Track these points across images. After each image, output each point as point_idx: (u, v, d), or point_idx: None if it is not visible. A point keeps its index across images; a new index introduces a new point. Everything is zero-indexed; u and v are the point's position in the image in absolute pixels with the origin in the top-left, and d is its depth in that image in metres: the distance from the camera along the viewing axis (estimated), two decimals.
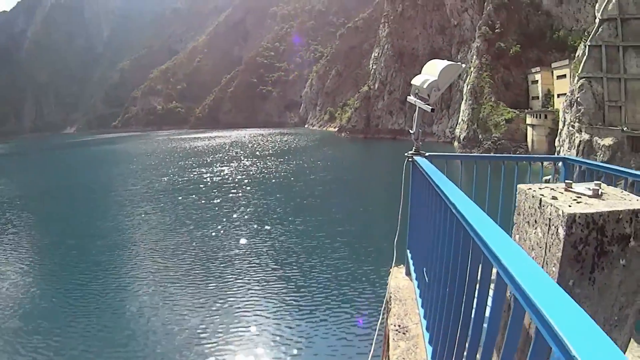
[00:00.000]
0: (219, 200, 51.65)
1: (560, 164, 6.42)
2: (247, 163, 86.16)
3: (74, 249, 36.25)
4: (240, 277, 27.56)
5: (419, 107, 5.23)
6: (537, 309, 1.44)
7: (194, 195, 55.81)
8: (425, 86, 4.98)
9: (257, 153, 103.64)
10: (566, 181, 3.44)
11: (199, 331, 21.56)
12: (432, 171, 4.10)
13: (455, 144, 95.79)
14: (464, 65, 6.50)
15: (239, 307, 23.42)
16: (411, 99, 5.37)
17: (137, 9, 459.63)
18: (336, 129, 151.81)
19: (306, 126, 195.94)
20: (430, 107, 4.98)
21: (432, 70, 5.11)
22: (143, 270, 30.28)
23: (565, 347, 1.23)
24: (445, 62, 5.04)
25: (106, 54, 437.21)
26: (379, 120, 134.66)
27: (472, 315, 2.48)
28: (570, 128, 59.24)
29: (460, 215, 2.71)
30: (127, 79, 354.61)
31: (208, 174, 74.23)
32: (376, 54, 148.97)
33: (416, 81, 5.27)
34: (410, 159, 5.31)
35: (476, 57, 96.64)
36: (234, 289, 25.89)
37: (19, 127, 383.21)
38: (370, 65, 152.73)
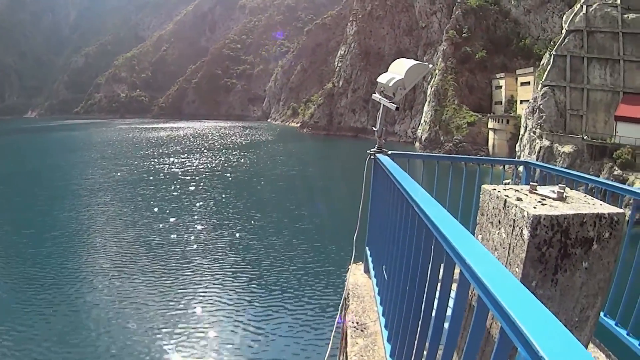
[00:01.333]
0: (178, 193, 51.39)
1: (521, 167, 6.56)
2: (209, 155, 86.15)
3: (26, 238, 35.43)
4: (198, 272, 27.36)
5: (383, 105, 5.26)
6: (503, 308, 1.45)
7: (153, 187, 55.43)
8: (391, 84, 5.01)
9: (219, 146, 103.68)
10: (531, 183, 3.49)
11: (153, 327, 21.14)
12: (394, 169, 4.09)
13: (417, 144, 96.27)
14: (431, 66, 6.15)
15: (196, 303, 23.09)
16: (376, 96, 5.39)
17: None
18: (298, 125, 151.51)
19: (269, 120, 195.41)
20: (395, 106, 4.99)
21: (399, 69, 5.15)
22: (99, 263, 29.71)
23: (531, 346, 1.23)
24: (413, 62, 5.07)
25: (72, 38, 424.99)
26: (341, 118, 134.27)
27: (433, 314, 2.50)
28: (532, 134, 60.98)
29: (422, 214, 2.71)
30: (91, 65, 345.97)
31: (168, 165, 73.73)
32: (342, 52, 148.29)
33: (382, 79, 5.29)
34: (372, 156, 5.29)
35: (442, 60, 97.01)
36: (191, 284, 25.58)
37: None
38: (336, 63, 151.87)
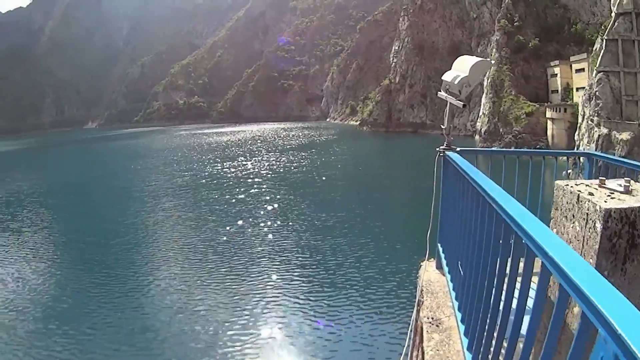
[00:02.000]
0: (242, 196, 50.82)
1: (584, 158, 6.72)
2: (270, 157, 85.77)
3: (94, 245, 36.29)
4: (266, 274, 27.15)
5: (449, 103, 5.42)
6: (584, 294, 1.55)
7: (216, 191, 55.39)
8: (456, 82, 5.18)
9: (280, 147, 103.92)
10: (600, 178, 3.68)
11: (223, 329, 21.41)
12: (466, 166, 4.27)
13: (476, 137, 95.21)
14: (492, 62, 7.03)
15: (266, 305, 23.07)
16: (442, 94, 5.54)
17: (156, 4, 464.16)
18: (358, 123, 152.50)
19: (328, 120, 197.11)
20: (462, 103, 5.15)
21: (463, 67, 5.33)
22: (166, 267, 30.16)
23: (612, 328, 1.33)
24: (476, 59, 5.28)
25: (126, 50, 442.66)
26: (400, 114, 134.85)
27: (513, 307, 2.56)
28: (590, 122, 59.04)
29: (501, 210, 2.82)
30: (147, 75, 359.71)
31: (231, 169, 73.78)
32: (396, 48, 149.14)
33: (447, 77, 5.48)
34: (441, 154, 5.44)
35: (496, 50, 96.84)
36: (259, 286, 25.53)
37: (39, 122, 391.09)
38: (391, 59, 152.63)
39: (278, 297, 23.94)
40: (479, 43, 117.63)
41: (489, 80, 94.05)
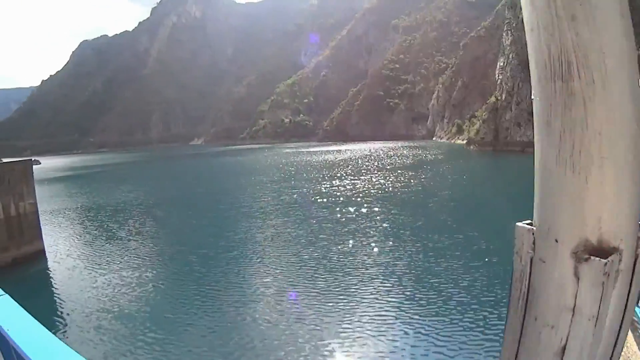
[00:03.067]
0: (353, 215, 50.20)
1: None
2: (379, 177, 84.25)
3: (200, 257, 37.58)
4: (378, 296, 26.43)
5: None
6: None
7: (326, 209, 54.76)
8: None
9: (388, 166, 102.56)
10: None
11: (330, 341, 21.24)
12: None
13: None
14: None
15: (377, 327, 22.35)
16: None
17: (259, 25, 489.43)
18: (464, 142, 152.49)
19: (434, 138, 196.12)
20: None
21: None
22: (276, 284, 30.19)
23: None
24: None
25: (231, 70, 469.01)
26: (507, 133, 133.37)
27: None
28: None
29: None
30: (253, 93, 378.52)
31: (340, 187, 73.32)
32: (501, 64, 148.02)
33: None
34: None
35: None
36: (369, 309, 24.72)
37: (146, 138, 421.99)
38: (496, 76, 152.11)
39: (387, 321, 23.10)
40: None
41: None
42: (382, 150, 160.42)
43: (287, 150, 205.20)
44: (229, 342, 22.41)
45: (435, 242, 37.09)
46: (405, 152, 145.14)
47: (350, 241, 38.74)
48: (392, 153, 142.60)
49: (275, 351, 21.00)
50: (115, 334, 23.70)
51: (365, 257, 33.82)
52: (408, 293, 26.79)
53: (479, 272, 29.53)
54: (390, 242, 38.08)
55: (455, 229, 41.54)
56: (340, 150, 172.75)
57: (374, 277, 29.62)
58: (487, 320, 22.24)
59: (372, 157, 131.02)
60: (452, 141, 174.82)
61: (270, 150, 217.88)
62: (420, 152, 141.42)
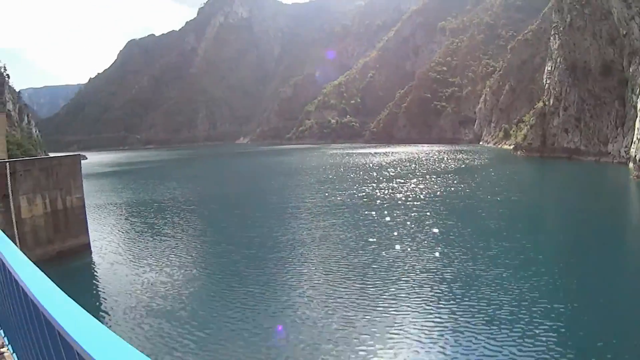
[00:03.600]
0: (402, 219, 50.71)
1: None
2: (427, 180, 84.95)
3: (245, 258, 38.35)
4: (428, 303, 26.81)
5: None
6: None
7: (375, 212, 55.41)
8: None
9: (436, 170, 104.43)
10: None
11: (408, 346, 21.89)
12: None
13: (630, 165, 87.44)
14: None
15: (425, 333, 23.02)
16: None
17: (305, 26, 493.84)
18: (511, 147, 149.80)
19: (481, 143, 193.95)
20: None
21: None
22: (328, 284, 30.79)
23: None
24: None
25: (278, 70, 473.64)
26: (554, 139, 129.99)
27: None
28: None
29: None
30: (299, 94, 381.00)
31: (388, 190, 74.03)
32: (549, 68, 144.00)
33: None
34: None
35: None
36: (420, 315, 25.22)
37: (192, 136, 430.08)
38: (544, 80, 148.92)
39: (436, 328, 23.70)
40: (631, 62, 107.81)
41: None
42: (429, 153, 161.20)
43: (334, 151, 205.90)
44: (268, 340, 23.68)
45: (485, 250, 37.32)
46: (452, 156, 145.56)
47: (398, 246, 39.27)
48: (439, 157, 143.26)
49: (323, 354, 21.86)
50: (156, 328, 25.21)
51: (416, 264, 34.27)
52: (458, 300, 27.26)
53: (530, 281, 29.62)
54: (440, 249, 38.21)
55: (505, 236, 42.02)
56: (387, 153, 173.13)
57: (424, 283, 30.26)
58: (538, 330, 22.73)
59: (420, 161, 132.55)
60: (499, 146, 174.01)
61: (317, 150, 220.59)
62: (467, 156, 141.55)
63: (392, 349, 21.90)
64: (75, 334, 2.01)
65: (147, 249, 43.73)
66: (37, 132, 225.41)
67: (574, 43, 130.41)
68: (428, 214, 53.74)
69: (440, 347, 21.82)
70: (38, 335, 3.46)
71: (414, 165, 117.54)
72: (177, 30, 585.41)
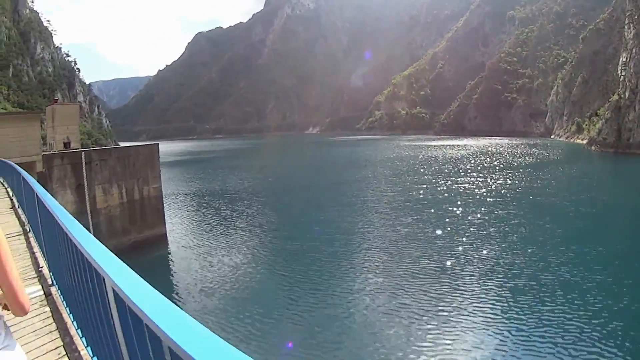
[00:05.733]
0: (485, 217, 49.49)
1: None
2: (504, 176, 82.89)
3: (318, 251, 38.23)
4: (508, 308, 26.00)
5: None
6: None
7: (458, 208, 54.10)
8: None
9: (507, 165, 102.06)
10: None
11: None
12: None
13: None
14: None
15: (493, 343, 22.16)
16: None
17: (374, 16, 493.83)
18: (585, 142, 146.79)
19: (552, 137, 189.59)
20: None
21: None
22: (387, 285, 30.18)
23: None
24: None
25: (346, 60, 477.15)
26: (629, 134, 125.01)
27: None
28: None
29: None
30: (369, 85, 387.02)
31: (467, 185, 72.61)
32: (624, 59, 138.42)
33: None
34: None
35: None
36: (497, 321, 24.49)
37: (261, 126, 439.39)
38: (619, 72, 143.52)
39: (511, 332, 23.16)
40: None
41: None
42: (501, 147, 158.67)
43: (406, 143, 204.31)
44: (327, 330, 23.89)
45: (564, 253, 35.61)
46: (525, 150, 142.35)
47: (484, 251, 37.06)
48: (512, 151, 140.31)
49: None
50: (228, 320, 25.79)
51: (499, 267, 33.16)
52: (540, 303, 26.37)
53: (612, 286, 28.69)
54: (530, 249, 36.74)
55: (583, 238, 40.72)
56: (459, 146, 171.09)
57: (503, 284, 29.60)
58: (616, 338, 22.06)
59: (493, 154, 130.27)
60: (571, 140, 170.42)
61: (387, 142, 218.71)
62: (540, 151, 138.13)
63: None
64: (167, 329, 1.96)
65: (222, 242, 43.60)
66: (107, 122, 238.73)
67: None
68: (513, 212, 52.21)
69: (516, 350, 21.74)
70: (99, 305, 3.70)
71: (488, 159, 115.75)
72: (245, 22, 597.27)
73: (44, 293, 7.41)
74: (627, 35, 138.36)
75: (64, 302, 6.60)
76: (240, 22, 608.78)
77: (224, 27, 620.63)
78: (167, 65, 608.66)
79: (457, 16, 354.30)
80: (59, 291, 7.06)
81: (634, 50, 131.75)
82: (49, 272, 7.96)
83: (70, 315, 6.09)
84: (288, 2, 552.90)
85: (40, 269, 8.76)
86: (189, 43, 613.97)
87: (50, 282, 7.73)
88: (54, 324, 6.25)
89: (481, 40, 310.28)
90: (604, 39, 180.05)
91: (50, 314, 6.58)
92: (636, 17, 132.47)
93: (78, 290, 4.80)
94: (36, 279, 8.22)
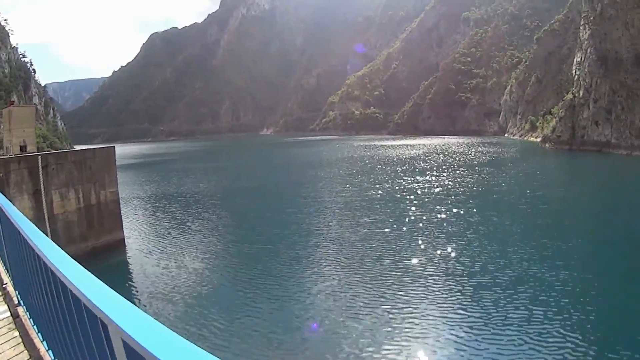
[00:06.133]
0: (441, 215, 49.72)
1: None
2: (457, 174, 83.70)
3: (276, 252, 38.65)
4: (462, 301, 26.81)
5: None
6: None
7: (413, 207, 54.47)
8: None
9: (464, 163, 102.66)
10: None
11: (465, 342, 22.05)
12: None
13: None
14: None
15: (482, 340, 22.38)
16: None
17: (328, 17, 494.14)
18: (539, 140, 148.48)
19: (506, 135, 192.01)
20: None
21: None
22: (348, 280, 31.06)
23: None
24: None
25: (301, 61, 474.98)
26: (584, 131, 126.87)
27: None
28: None
29: None
30: (323, 85, 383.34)
31: (421, 184, 72.71)
32: (578, 59, 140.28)
33: None
34: None
35: None
36: (462, 316, 24.91)
37: (216, 128, 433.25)
38: (573, 71, 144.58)
39: (485, 330, 23.35)
40: None
41: None
42: (455, 145, 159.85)
43: (360, 143, 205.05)
44: (291, 329, 24.52)
45: (525, 248, 36.24)
46: (479, 148, 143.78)
47: (441, 250, 37.18)
48: (466, 150, 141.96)
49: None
50: (189, 322, 26.00)
51: (454, 262, 33.87)
52: (497, 293, 27.49)
53: (580, 276, 29.94)
54: (483, 247, 37.27)
55: (542, 234, 41.07)
56: (413, 145, 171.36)
57: (458, 281, 30.05)
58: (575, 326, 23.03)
59: (448, 153, 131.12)
60: (525, 138, 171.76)
61: (342, 142, 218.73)
62: (495, 149, 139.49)
63: (432, 348, 22.11)
64: (125, 327, 2.08)
65: (180, 245, 43.26)
66: (62, 124, 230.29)
67: (605, 33, 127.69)
68: (464, 208, 53.13)
69: (483, 344, 22.15)
70: (76, 327, 3.40)
71: (443, 158, 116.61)
72: (200, 22, 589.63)
73: (11, 314, 6.83)
74: (583, 35, 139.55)
75: (35, 326, 5.93)
76: (196, 22, 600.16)
77: (179, 27, 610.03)
78: (122, 66, 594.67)
79: (412, 17, 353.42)
80: (27, 313, 6.45)
81: (588, 50, 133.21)
82: (14, 290, 7.34)
83: (44, 342, 5.42)
84: (243, 2, 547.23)
85: (4, 285, 7.93)
86: (143, 43, 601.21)
87: (16, 302, 7.10)
88: (26, 352, 5.62)
89: (435, 41, 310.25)
90: (559, 40, 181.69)
91: (20, 340, 5.98)
92: (591, 18, 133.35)
93: (49, 310, 4.56)
94: (1, 298, 7.56)
